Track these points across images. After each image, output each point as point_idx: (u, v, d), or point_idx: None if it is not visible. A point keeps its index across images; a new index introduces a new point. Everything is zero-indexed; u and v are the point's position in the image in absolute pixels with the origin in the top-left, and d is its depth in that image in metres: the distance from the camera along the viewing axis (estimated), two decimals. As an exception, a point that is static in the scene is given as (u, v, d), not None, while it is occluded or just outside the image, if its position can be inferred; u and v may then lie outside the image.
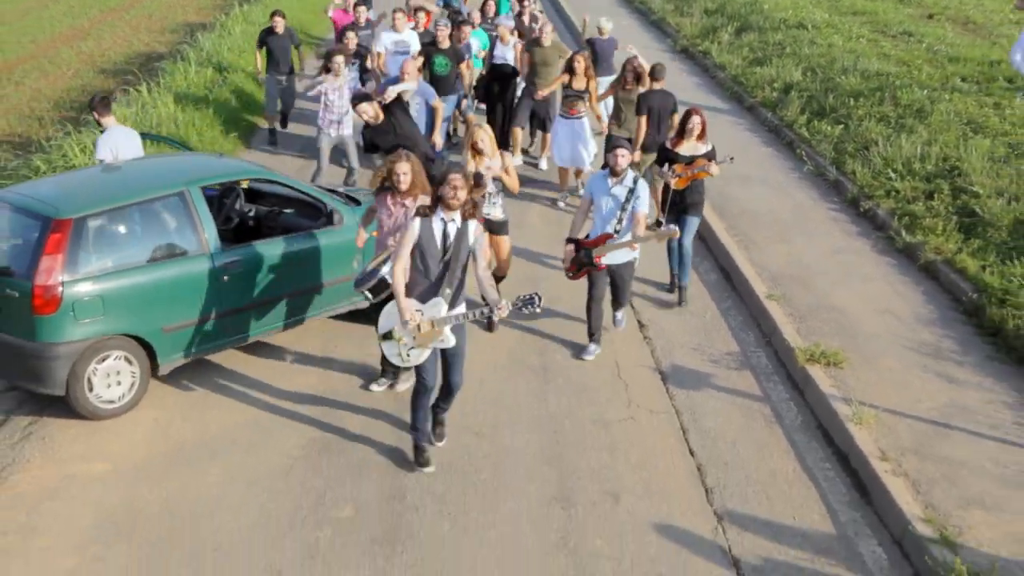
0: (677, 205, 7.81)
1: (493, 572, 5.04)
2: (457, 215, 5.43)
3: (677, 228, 7.08)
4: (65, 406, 6.11)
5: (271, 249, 6.71)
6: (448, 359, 5.66)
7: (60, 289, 5.76)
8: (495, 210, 7.34)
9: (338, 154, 10.32)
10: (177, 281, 6.21)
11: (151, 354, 6.21)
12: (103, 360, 5.99)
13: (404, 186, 6.11)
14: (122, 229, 6.13)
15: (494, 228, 7.28)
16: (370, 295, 6.15)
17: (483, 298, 5.57)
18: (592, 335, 7.18)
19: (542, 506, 5.56)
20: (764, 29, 16.91)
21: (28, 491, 5.50)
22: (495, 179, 7.18)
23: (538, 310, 5.51)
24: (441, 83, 10.74)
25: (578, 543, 5.26)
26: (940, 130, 11.04)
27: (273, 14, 11.91)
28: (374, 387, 6.59)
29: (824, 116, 12.44)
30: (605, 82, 11.02)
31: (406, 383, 6.48)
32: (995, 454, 6.01)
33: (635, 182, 6.80)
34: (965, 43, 14.93)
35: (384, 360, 6.42)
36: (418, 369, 5.60)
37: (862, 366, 6.99)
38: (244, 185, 7.31)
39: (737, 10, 18.60)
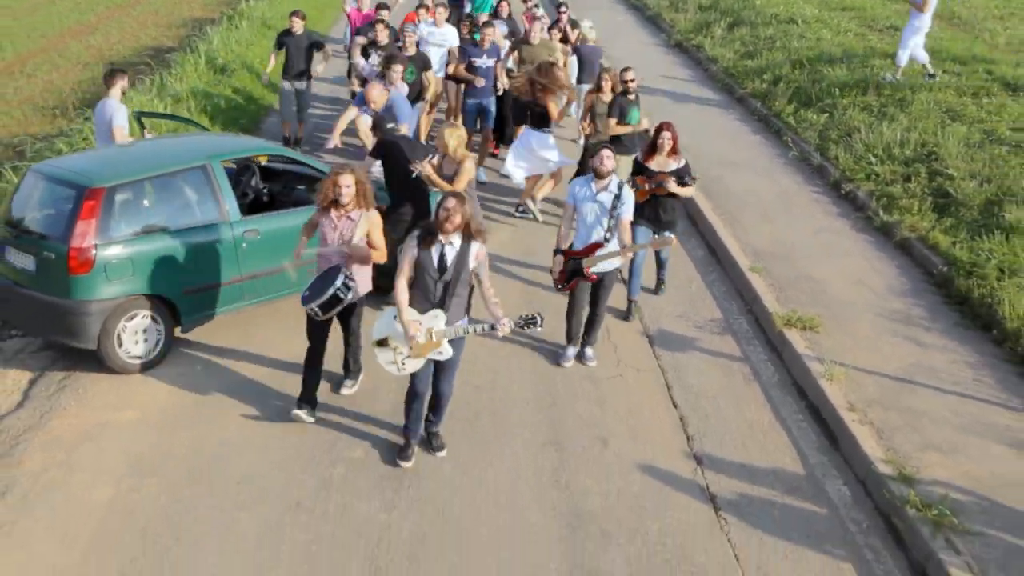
0: (653, 222, 7.60)
1: (491, 506, 5.54)
2: (456, 238, 5.46)
3: (673, 236, 6.97)
4: (96, 362, 6.61)
5: (285, 220, 7.21)
6: (440, 367, 5.71)
7: (93, 252, 6.26)
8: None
9: None
10: (199, 247, 6.71)
11: (175, 313, 6.72)
12: (131, 318, 6.50)
13: (346, 199, 5.88)
14: (150, 198, 6.64)
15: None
16: (319, 311, 5.82)
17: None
18: (571, 339, 7.08)
19: (536, 449, 6.06)
20: (756, 24, 17.40)
21: (65, 435, 6.01)
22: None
23: (539, 329, 5.59)
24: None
25: (569, 480, 5.77)
26: (920, 118, 11.54)
27: (292, 14, 11.24)
28: (345, 391, 6.53)
29: (810, 105, 12.96)
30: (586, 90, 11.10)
31: (351, 389, 6.57)
32: (955, 406, 6.52)
33: (620, 187, 6.63)
34: (948, 36, 15.41)
35: (346, 363, 6.48)
36: (411, 377, 5.67)
37: (836, 330, 7.50)
38: (263, 160, 7.81)
39: (730, 6, 19.09)
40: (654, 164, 7.60)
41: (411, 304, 5.52)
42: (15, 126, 14.83)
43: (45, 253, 6.32)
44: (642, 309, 8.05)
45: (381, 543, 5.17)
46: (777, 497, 5.74)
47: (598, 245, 6.57)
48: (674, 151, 7.59)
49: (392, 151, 7.46)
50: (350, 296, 5.87)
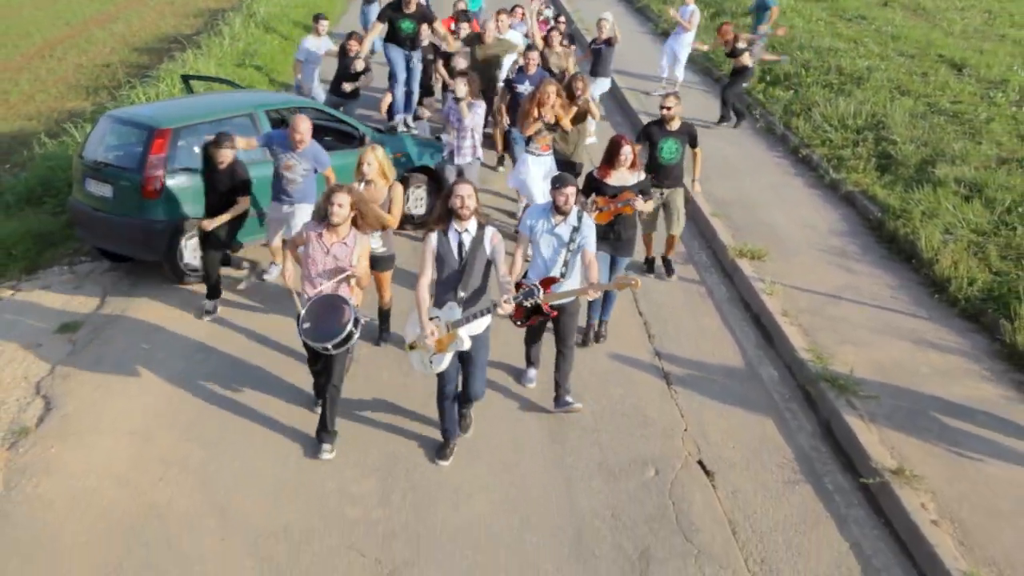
0: (608, 242, 7.02)
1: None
2: (471, 224, 5.50)
3: (638, 278, 5.64)
4: (145, 293, 7.95)
5: (315, 163, 8.55)
6: (468, 369, 5.71)
7: (161, 181, 7.62)
8: (372, 242, 6.45)
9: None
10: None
11: (226, 236, 8.07)
12: (191, 237, 7.86)
13: (336, 220, 5.53)
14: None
15: (373, 263, 6.45)
16: (331, 349, 5.55)
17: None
18: (531, 362, 6.86)
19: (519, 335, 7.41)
20: (735, 13, 18.76)
21: (142, 326, 7.37)
22: None
23: (539, 300, 5.45)
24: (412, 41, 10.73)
25: (547, 363, 7.08)
26: (873, 93, 12.93)
27: None
28: (324, 455, 5.91)
29: (778, 84, 14.34)
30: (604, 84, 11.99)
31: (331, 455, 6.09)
32: (872, 315, 7.89)
33: (579, 219, 6.07)
34: (910, 25, 16.81)
35: (315, 385, 6.20)
36: (439, 377, 5.69)
37: (780, 260, 8.87)
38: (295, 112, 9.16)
39: (714, -2, 20.50)
40: (613, 180, 7.08)
41: (436, 300, 5.56)
42: (52, 101, 16.22)
43: (122, 182, 7.68)
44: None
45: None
46: (719, 377, 7.10)
47: (553, 280, 5.90)
48: (634, 164, 7.12)
49: None
50: (359, 331, 5.69)
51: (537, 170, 8.74)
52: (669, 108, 8.28)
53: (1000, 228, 8.98)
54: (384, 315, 7.32)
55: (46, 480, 5.60)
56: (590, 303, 7.20)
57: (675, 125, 8.35)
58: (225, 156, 7.23)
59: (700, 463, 6.08)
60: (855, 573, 5.17)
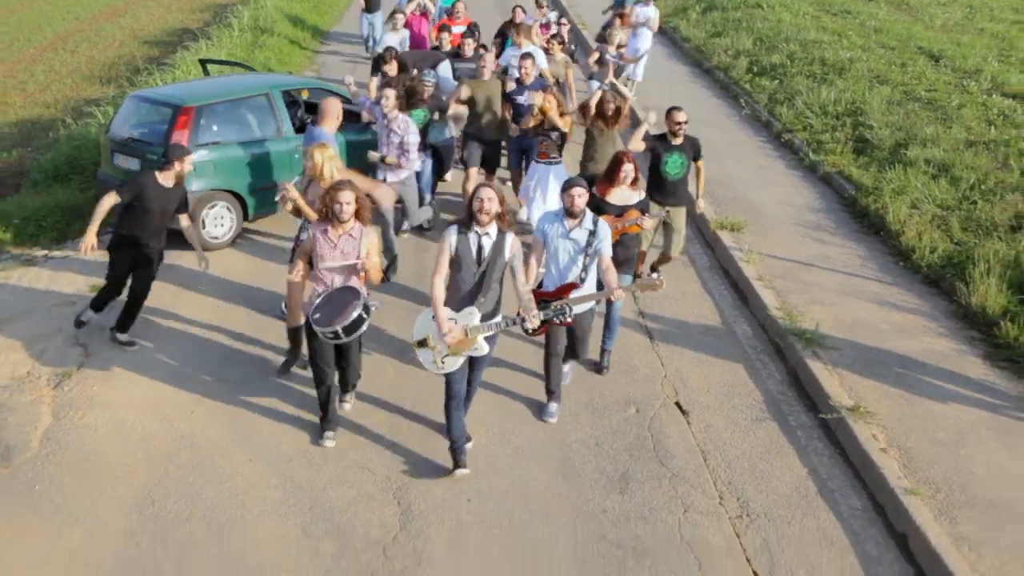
0: (616, 264, 6.44)
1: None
2: (492, 228, 5.44)
3: (663, 279, 5.89)
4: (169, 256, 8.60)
5: (325, 140, 9.20)
6: (473, 362, 5.72)
7: (185, 154, 8.27)
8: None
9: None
10: (262, 155, 8.70)
11: (244, 207, 8.72)
12: (212, 207, 8.51)
13: (345, 216, 5.67)
14: (227, 116, 8.64)
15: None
16: (343, 334, 5.59)
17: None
18: (551, 392, 6.46)
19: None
20: (726, 8, 19.45)
21: (164, 291, 8.03)
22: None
23: (569, 319, 5.61)
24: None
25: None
26: (853, 82, 13.59)
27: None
28: (327, 443, 6.05)
29: (765, 74, 15.00)
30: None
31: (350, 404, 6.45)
32: (840, 280, 8.54)
33: (595, 223, 5.98)
34: (892, 19, 17.48)
35: (323, 406, 6.08)
36: (448, 377, 5.62)
37: (757, 232, 9.52)
38: (305, 95, 9.81)
39: (707, -7, 21.18)
40: (613, 198, 6.79)
41: (447, 300, 5.53)
42: (68, 90, 16.87)
43: (148, 155, 8.32)
44: (607, 219, 10.05)
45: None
46: (697, 334, 7.76)
47: (573, 286, 5.94)
48: (635, 182, 6.83)
49: None
50: (370, 316, 5.77)
51: (550, 181, 8.62)
52: (682, 122, 7.89)
53: (963, 203, 9.64)
54: (293, 334, 6.79)
55: (90, 413, 6.26)
56: (605, 331, 7.06)
57: (680, 139, 8.03)
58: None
59: (677, 404, 6.74)
60: (812, 493, 5.82)
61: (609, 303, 6.94)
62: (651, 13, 13.83)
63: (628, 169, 6.74)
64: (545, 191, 8.69)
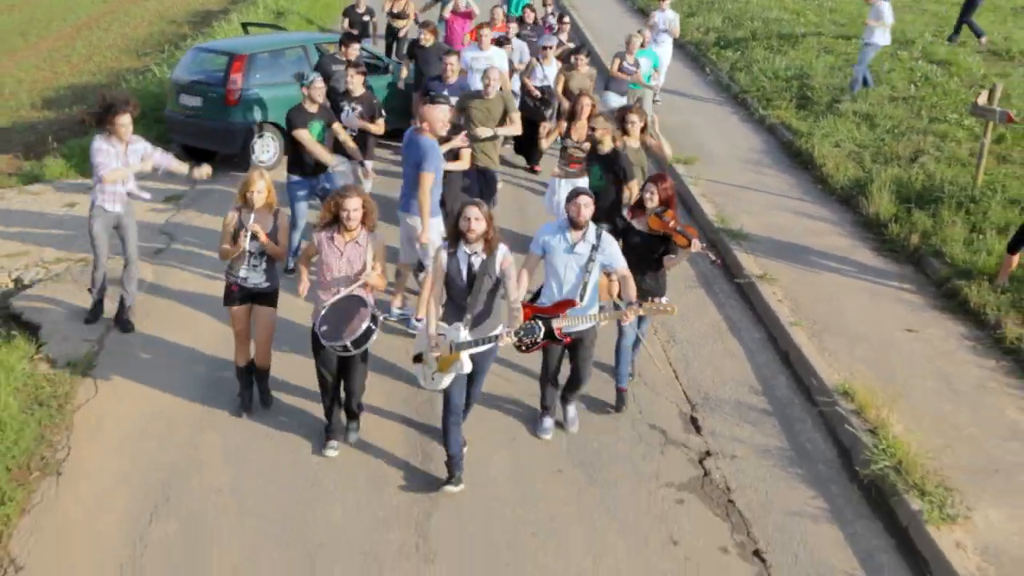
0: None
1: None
2: (479, 247, 5.37)
3: (674, 305, 5.75)
4: (222, 179, 10.59)
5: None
6: (472, 375, 5.56)
7: (239, 93, 10.26)
8: (254, 274, 6.00)
9: None
10: (299, 95, 10.68)
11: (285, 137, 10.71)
12: (261, 136, 10.50)
13: (353, 225, 5.52)
14: (272, 63, 10.63)
15: (253, 297, 6.09)
16: (352, 347, 5.45)
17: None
18: (546, 408, 6.25)
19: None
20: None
21: (224, 197, 10.01)
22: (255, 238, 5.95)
23: (539, 339, 5.54)
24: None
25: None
26: (803, 52, 15.61)
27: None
28: (329, 452, 5.92)
29: (729, 47, 17.02)
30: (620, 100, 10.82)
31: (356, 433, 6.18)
32: (768, 198, 10.55)
33: (598, 236, 5.70)
34: (848, 1, 19.51)
35: (328, 415, 5.97)
36: (446, 393, 5.52)
37: (706, 165, 11.53)
38: (331, 50, 11.81)
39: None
40: (642, 224, 6.28)
41: (444, 317, 5.51)
42: (108, 61, 18.88)
43: (209, 94, 10.32)
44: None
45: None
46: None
47: (570, 303, 5.65)
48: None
49: None
50: (378, 327, 5.59)
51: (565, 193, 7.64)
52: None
53: (877, 143, 11.65)
54: (261, 375, 6.41)
55: (181, 274, 8.26)
56: (616, 368, 6.56)
57: (607, 148, 7.51)
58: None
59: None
60: (723, 329, 7.84)
61: (621, 332, 6.35)
62: (672, 17, 13.75)
63: (651, 190, 6.17)
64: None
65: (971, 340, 7.53)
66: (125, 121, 6.86)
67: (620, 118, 7.89)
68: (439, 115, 7.03)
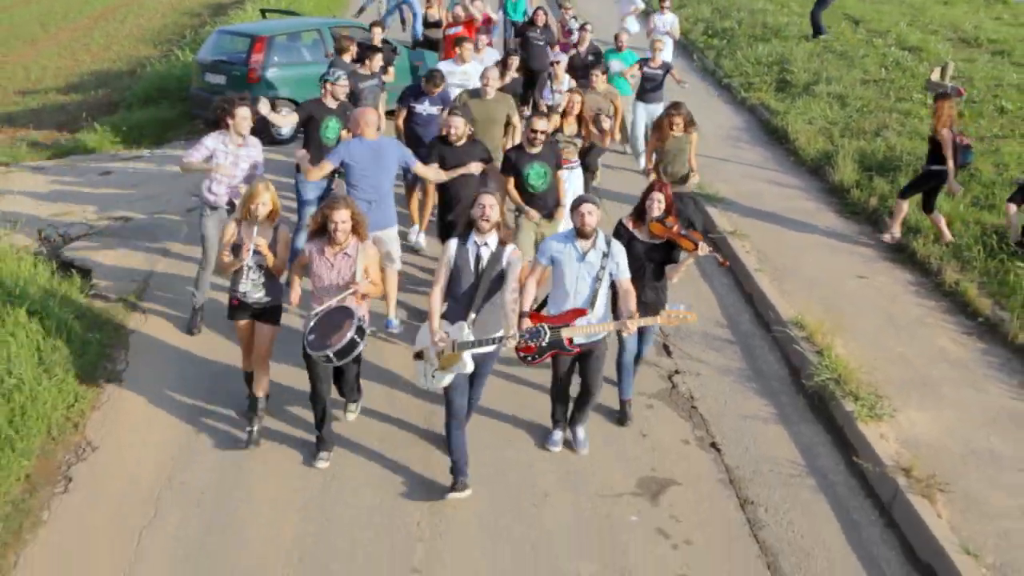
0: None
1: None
2: (491, 238, 5.35)
3: (694, 313, 5.69)
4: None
5: (360, 68, 12.15)
6: (473, 378, 5.53)
7: (260, 71, 11.23)
8: (254, 290, 5.86)
9: None
10: (315, 74, 11.65)
11: (301, 111, 11.69)
12: (280, 108, 11.45)
13: (342, 237, 5.48)
14: (291, 45, 11.60)
15: (256, 315, 5.96)
16: (335, 358, 5.40)
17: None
18: (557, 421, 6.16)
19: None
20: None
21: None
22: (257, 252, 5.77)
23: (544, 343, 5.38)
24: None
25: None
26: (785, 40, 16.59)
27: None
28: (320, 463, 5.80)
29: (716, 36, 18.00)
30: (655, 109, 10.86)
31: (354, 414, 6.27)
32: (745, 169, 11.52)
33: (608, 243, 5.63)
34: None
35: (319, 426, 5.83)
36: (447, 396, 5.45)
37: (689, 140, 12.49)
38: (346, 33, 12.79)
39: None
40: (644, 234, 6.15)
41: (447, 315, 5.46)
42: (127, 50, 19.86)
43: (233, 72, 11.29)
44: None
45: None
46: (632, 200, 10.72)
47: (580, 312, 5.58)
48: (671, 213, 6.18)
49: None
50: (365, 339, 5.55)
51: (568, 186, 7.72)
52: (540, 131, 7.13)
53: (846, 120, 12.62)
54: (253, 404, 6.06)
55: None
56: (619, 381, 6.46)
57: (538, 148, 7.19)
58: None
59: (613, 234, 9.69)
60: (696, 276, 8.80)
61: (621, 342, 6.27)
62: (672, 20, 13.68)
63: (658, 198, 6.04)
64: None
65: (915, 285, 8.50)
66: (244, 113, 6.95)
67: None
68: (370, 118, 7.00)
